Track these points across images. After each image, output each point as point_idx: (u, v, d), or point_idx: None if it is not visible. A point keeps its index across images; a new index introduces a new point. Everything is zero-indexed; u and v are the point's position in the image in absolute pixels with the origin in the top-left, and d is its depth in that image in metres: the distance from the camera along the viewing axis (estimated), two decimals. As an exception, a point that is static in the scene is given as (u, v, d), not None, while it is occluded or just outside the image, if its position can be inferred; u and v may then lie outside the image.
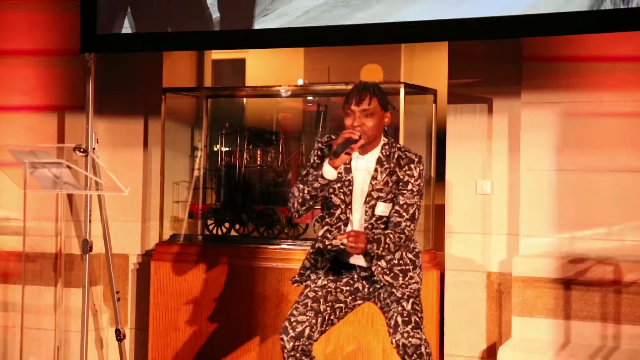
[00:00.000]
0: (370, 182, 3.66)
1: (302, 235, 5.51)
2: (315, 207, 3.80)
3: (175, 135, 5.98)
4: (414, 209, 3.66)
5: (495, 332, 5.15)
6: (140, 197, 5.92)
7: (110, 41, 5.09)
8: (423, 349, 3.58)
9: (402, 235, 3.63)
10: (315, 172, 3.60)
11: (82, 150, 4.41)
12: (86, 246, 5.06)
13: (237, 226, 5.62)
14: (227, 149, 5.71)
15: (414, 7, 4.60)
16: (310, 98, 5.98)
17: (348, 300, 3.78)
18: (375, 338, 4.97)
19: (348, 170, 3.69)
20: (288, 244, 5.30)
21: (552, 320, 4.80)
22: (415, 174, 3.67)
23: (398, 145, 3.73)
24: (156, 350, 5.47)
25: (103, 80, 5.81)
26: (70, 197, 5.71)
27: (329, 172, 3.56)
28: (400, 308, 3.62)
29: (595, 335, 4.72)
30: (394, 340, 3.59)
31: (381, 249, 3.56)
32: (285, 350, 3.66)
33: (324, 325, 3.73)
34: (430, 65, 6.78)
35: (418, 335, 3.58)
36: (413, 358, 3.57)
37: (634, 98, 4.74)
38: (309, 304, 3.70)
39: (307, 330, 3.65)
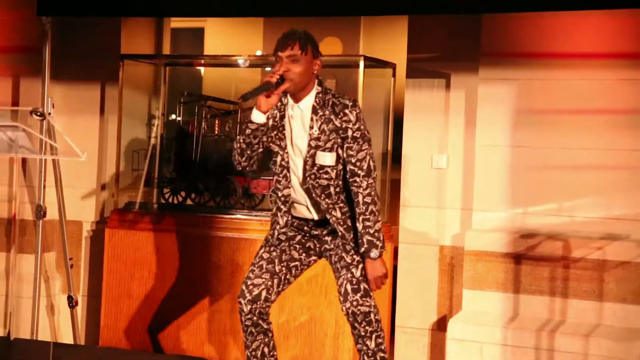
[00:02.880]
0: (308, 133, 3.61)
1: (258, 206, 5.52)
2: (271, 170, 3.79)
3: (132, 103, 5.92)
4: (367, 162, 3.60)
5: (446, 304, 5.22)
6: (95, 164, 5.87)
7: (68, 5, 5.03)
8: (372, 316, 3.61)
9: (368, 198, 3.59)
10: (246, 121, 3.62)
11: (38, 113, 4.36)
12: (40, 212, 5.01)
13: (193, 195, 5.61)
14: (185, 117, 5.67)
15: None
16: (268, 69, 5.96)
17: (302, 257, 3.77)
18: (328, 309, 5.02)
19: (282, 117, 3.66)
20: (244, 214, 5.31)
21: (502, 293, 4.88)
22: (352, 118, 3.58)
23: (332, 92, 3.67)
24: (109, 317, 5.46)
25: (60, 46, 5.73)
26: (24, 162, 5.65)
27: (256, 115, 3.54)
28: (349, 275, 3.61)
29: (543, 309, 4.81)
30: (344, 308, 3.62)
31: (376, 238, 3.61)
32: (243, 314, 3.69)
33: (281, 286, 3.74)
34: (390, 40, 6.80)
35: (367, 303, 3.60)
36: (362, 325, 3.60)
37: (589, 76, 4.81)
38: (264, 265, 3.71)
39: (263, 293, 3.67)
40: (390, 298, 5.31)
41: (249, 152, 3.61)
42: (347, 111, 3.58)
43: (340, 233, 3.66)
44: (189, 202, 5.63)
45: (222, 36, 7.69)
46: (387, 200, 5.50)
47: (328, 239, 3.74)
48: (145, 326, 5.38)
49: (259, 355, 3.75)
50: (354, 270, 3.62)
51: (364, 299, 3.59)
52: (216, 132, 5.59)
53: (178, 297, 5.30)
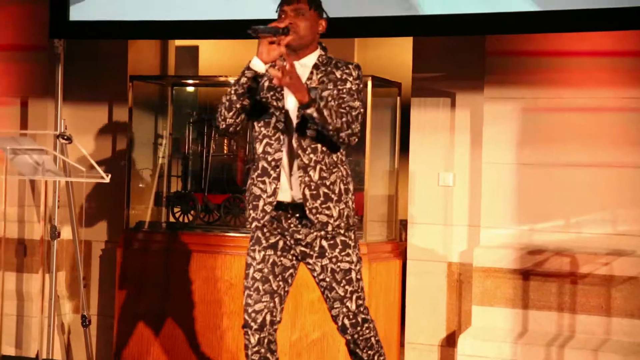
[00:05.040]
0: (305, 82, 3.40)
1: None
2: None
3: (139, 123, 5.97)
4: (357, 111, 3.41)
5: (455, 320, 5.28)
6: (104, 184, 5.90)
7: (80, 28, 5.10)
8: (373, 339, 3.54)
9: (344, 115, 3.34)
10: (242, 70, 3.39)
11: (65, 137, 4.42)
12: (54, 232, 5.06)
13: (203, 214, 5.66)
14: (194, 137, 5.74)
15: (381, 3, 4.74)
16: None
17: (294, 262, 3.52)
18: (340, 325, 5.07)
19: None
20: (254, 232, 5.35)
21: (511, 309, 4.95)
22: (354, 74, 3.46)
23: (336, 58, 3.54)
24: (122, 336, 5.49)
25: (66, 66, 5.78)
26: (32, 182, 5.69)
27: (256, 63, 3.35)
28: (345, 309, 3.47)
29: (552, 324, 4.88)
30: (344, 337, 3.54)
31: (323, 102, 3.30)
32: (250, 346, 3.49)
33: (283, 302, 3.52)
34: (385, 56, 6.87)
35: (367, 330, 3.51)
36: (365, 350, 3.54)
37: (592, 95, 4.91)
38: (260, 287, 3.46)
39: (268, 317, 3.47)
40: (400, 314, 5.37)
41: (238, 105, 3.39)
42: (350, 67, 3.48)
43: (302, 195, 3.39)
44: (198, 221, 5.68)
45: (216, 54, 7.75)
46: (394, 217, 5.57)
47: (313, 254, 3.48)
48: (158, 345, 5.41)
49: None
50: (349, 303, 3.46)
51: (363, 329, 3.50)
52: (225, 151, 5.65)
53: (190, 315, 5.34)
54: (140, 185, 5.86)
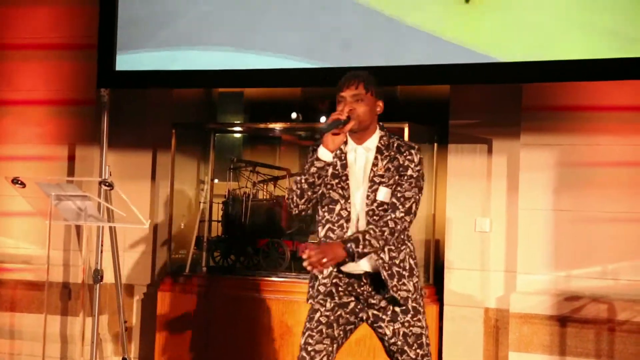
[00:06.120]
0: (372, 169, 3.56)
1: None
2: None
3: (181, 168, 6.10)
4: (411, 202, 3.53)
5: (492, 366, 5.29)
6: (146, 228, 6.02)
7: (126, 78, 5.26)
8: None
9: (385, 228, 3.48)
10: (310, 159, 3.50)
11: (107, 184, 4.56)
12: (97, 276, 5.17)
13: (242, 258, 5.75)
14: (234, 182, 5.86)
15: (417, 52, 4.83)
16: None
17: (356, 321, 3.64)
18: (376, 370, 5.10)
19: (344, 166, 3.58)
20: (292, 277, 5.43)
21: (548, 356, 4.93)
22: (416, 159, 3.56)
23: (396, 136, 3.64)
24: (162, 379, 5.58)
25: (112, 113, 5.95)
26: (77, 226, 5.83)
27: (323, 153, 3.46)
28: (413, 354, 3.56)
29: (590, 371, 4.86)
30: None
31: (361, 246, 3.43)
32: None
33: (338, 350, 3.62)
34: (428, 102, 6.94)
35: None
36: None
37: (629, 142, 4.92)
38: (324, 330, 3.56)
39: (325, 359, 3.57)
40: (437, 359, 5.38)
41: (309, 193, 3.51)
42: (412, 152, 3.58)
43: (383, 277, 3.51)
44: (238, 265, 5.77)
45: (260, 98, 7.89)
46: (431, 262, 5.60)
47: (385, 317, 3.59)
48: (197, 387, 5.49)
49: None
50: (418, 350, 3.55)
51: None
52: (264, 197, 5.75)
53: (229, 358, 5.41)
54: (182, 229, 5.98)
